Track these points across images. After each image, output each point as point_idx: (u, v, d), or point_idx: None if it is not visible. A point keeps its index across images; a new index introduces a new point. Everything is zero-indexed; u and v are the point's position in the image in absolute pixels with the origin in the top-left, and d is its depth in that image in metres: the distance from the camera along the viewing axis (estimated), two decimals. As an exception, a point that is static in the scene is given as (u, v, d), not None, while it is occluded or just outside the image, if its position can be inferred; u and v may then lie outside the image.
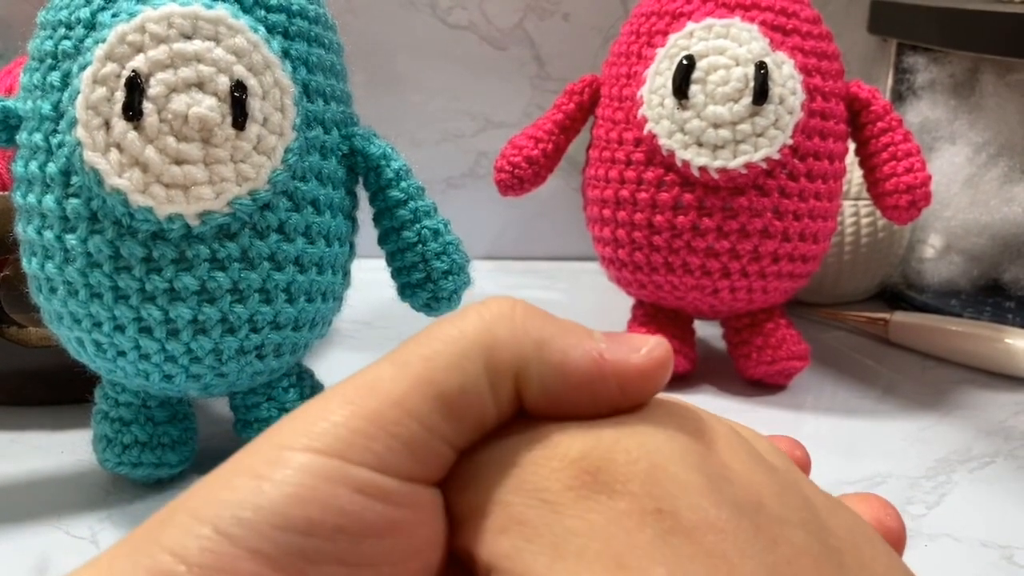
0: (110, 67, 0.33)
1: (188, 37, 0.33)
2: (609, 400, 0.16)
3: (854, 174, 0.58)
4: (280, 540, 0.14)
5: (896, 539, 0.19)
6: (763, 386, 0.51)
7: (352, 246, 0.40)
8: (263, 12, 0.35)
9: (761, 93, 0.45)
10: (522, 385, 0.16)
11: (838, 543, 0.15)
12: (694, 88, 0.45)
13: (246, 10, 0.35)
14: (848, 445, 0.46)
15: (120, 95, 0.33)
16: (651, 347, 0.16)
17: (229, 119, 0.33)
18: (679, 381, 0.50)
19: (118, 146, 0.33)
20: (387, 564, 0.15)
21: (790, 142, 0.45)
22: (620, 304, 0.54)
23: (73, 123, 0.33)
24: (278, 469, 0.14)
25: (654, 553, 0.14)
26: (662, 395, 0.17)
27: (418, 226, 0.38)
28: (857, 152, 0.50)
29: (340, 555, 0.14)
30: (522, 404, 0.16)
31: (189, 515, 0.14)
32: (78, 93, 0.33)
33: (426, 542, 0.15)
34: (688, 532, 0.14)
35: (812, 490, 0.17)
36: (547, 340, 0.16)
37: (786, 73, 0.46)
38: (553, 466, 0.15)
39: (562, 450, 0.15)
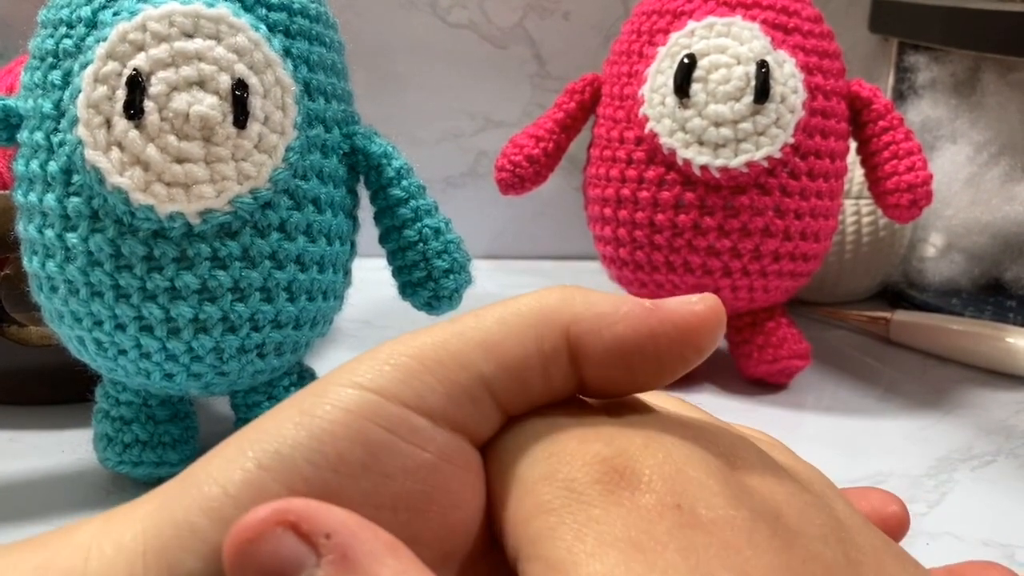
0: (111, 65, 0.33)
1: (189, 35, 0.33)
2: (671, 352, 0.17)
3: (855, 173, 0.58)
4: (312, 477, 0.15)
5: (897, 525, 0.20)
6: (764, 385, 0.51)
7: (353, 245, 0.40)
8: (264, 10, 0.35)
9: (762, 92, 0.45)
10: (578, 348, 0.16)
11: (859, 556, 0.16)
12: (695, 87, 0.45)
13: (247, 8, 0.35)
14: (849, 444, 0.46)
15: (121, 93, 0.33)
16: (704, 297, 0.17)
17: (230, 118, 0.33)
18: (680, 380, 0.50)
19: (119, 145, 0.33)
20: (405, 509, 0.15)
21: (791, 141, 0.45)
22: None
23: (74, 121, 0.33)
24: (319, 404, 0.15)
25: (670, 540, 0.14)
26: (696, 416, 0.18)
27: (419, 224, 0.38)
28: (858, 151, 0.50)
29: (364, 493, 0.15)
30: (582, 377, 0.16)
31: (237, 447, 0.15)
32: (79, 91, 0.33)
33: (452, 499, 0.16)
34: (704, 526, 0.14)
35: (845, 511, 0.17)
36: (598, 300, 0.17)
37: (787, 72, 0.46)
38: (585, 459, 0.15)
39: (596, 447, 0.15)
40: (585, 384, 0.17)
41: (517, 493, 0.15)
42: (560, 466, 0.15)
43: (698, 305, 0.17)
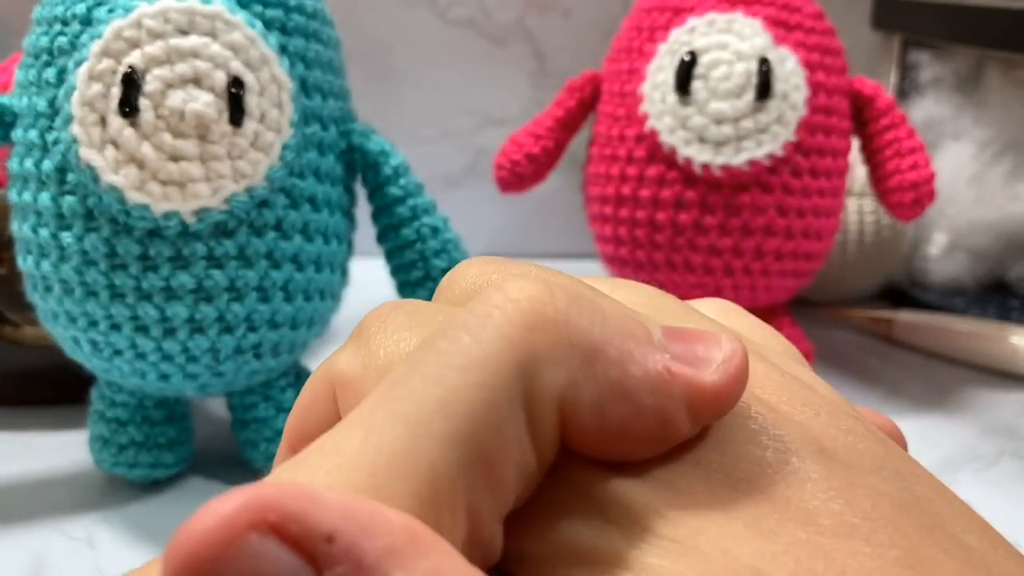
0: (106, 63, 0.33)
1: (185, 33, 0.33)
2: (678, 430, 0.13)
3: (858, 171, 0.58)
4: None
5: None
6: (766, 385, 0.50)
7: (350, 244, 0.39)
8: (260, 7, 0.35)
9: (764, 89, 0.44)
10: (567, 411, 0.12)
11: (921, 489, 0.13)
12: (696, 84, 0.45)
13: (243, 5, 0.34)
14: (852, 444, 0.45)
15: (116, 91, 0.32)
16: (726, 356, 0.13)
17: (226, 115, 0.33)
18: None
19: (114, 143, 0.32)
20: None
21: (793, 138, 0.45)
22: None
23: (69, 120, 0.33)
24: None
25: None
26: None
27: (417, 223, 0.38)
28: (861, 149, 0.50)
29: None
30: (563, 438, 0.13)
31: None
32: (74, 89, 0.33)
33: None
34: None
35: (870, 429, 0.14)
36: (599, 349, 0.12)
37: (789, 69, 0.45)
38: None
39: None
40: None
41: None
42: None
43: (718, 377, 0.13)
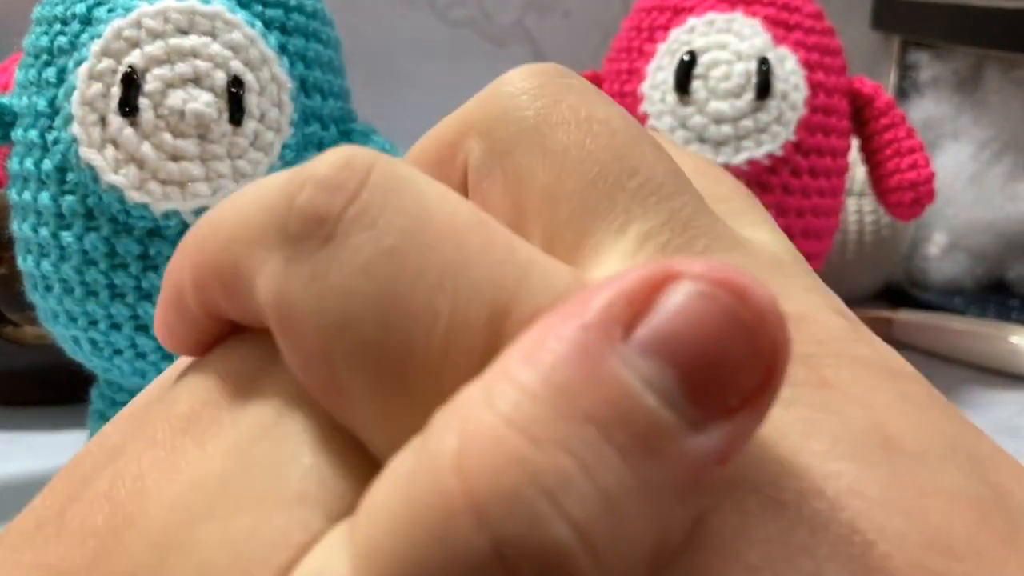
0: (106, 63, 0.33)
1: (184, 32, 0.33)
2: None
3: (857, 171, 0.58)
4: None
5: None
6: (766, 385, 0.50)
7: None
8: (260, 7, 0.35)
9: (763, 89, 0.44)
10: None
11: (998, 477, 0.11)
12: (696, 83, 0.45)
13: (243, 5, 0.34)
14: (852, 444, 0.45)
15: (116, 91, 0.32)
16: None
17: (226, 115, 0.33)
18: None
19: (114, 142, 0.32)
20: None
21: (793, 138, 0.45)
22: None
23: (69, 119, 0.33)
24: None
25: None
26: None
27: (417, 223, 0.38)
28: (861, 148, 0.50)
29: None
30: None
31: None
32: (74, 89, 0.33)
33: None
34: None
35: (949, 411, 0.12)
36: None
37: (788, 69, 0.45)
38: None
39: None
40: None
41: None
42: None
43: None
